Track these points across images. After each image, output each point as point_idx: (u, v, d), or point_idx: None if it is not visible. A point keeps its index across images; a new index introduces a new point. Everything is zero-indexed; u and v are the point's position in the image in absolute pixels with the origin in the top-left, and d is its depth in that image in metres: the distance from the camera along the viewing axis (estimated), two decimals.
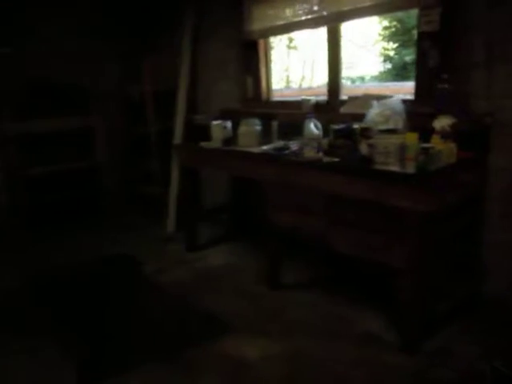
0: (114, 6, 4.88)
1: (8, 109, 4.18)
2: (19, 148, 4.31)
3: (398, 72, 8.53)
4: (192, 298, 2.92)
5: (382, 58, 8.94)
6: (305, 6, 3.26)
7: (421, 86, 2.67)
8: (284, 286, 2.99)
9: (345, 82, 3.50)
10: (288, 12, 3.39)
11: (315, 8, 3.18)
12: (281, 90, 4.65)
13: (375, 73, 9.03)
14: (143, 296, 3.01)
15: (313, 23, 3.22)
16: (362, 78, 8.98)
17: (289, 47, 9.11)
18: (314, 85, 9.89)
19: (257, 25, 3.64)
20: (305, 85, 9.99)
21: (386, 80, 8.71)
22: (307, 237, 2.65)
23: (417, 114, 2.51)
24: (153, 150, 4.42)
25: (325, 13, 3.11)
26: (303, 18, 3.27)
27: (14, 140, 4.25)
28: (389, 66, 8.94)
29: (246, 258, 3.55)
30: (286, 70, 9.18)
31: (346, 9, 2.97)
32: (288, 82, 9.47)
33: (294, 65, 9.83)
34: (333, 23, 3.13)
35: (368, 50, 8.84)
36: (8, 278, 3.38)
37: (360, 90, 6.66)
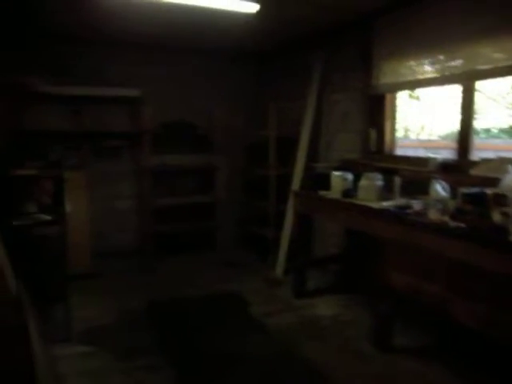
0: (243, 57, 5.25)
1: (146, 145, 4.64)
2: (152, 179, 4.75)
3: None
4: (296, 346, 2.91)
5: None
6: (438, 63, 3.21)
7: None
8: (393, 349, 2.85)
9: None
10: (420, 68, 3.36)
11: (449, 65, 3.11)
12: (399, 140, 4.54)
13: (505, 126, 8.42)
14: (249, 337, 3.06)
15: (446, 81, 3.16)
16: (488, 131, 8.42)
17: (410, 96, 8.93)
18: (434, 136, 9.52)
19: (385, 79, 3.65)
20: (423, 135, 9.65)
21: None
22: (424, 301, 2.51)
23: None
24: (270, 193, 4.57)
25: (460, 71, 3.03)
26: (436, 75, 3.21)
27: (149, 172, 4.70)
28: None
29: (354, 312, 3.46)
30: (405, 119, 8.96)
31: (483, 67, 2.87)
32: (406, 131, 9.22)
33: (414, 114, 9.58)
34: (467, 81, 3.03)
35: (497, 101, 8.31)
36: (130, 300, 3.68)
37: (489, 145, 6.26)
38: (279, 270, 4.29)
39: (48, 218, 2.98)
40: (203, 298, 3.76)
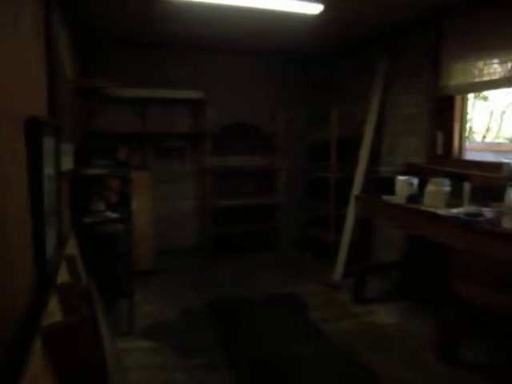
0: (306, 60, 5.22)
1: (208, 146, 4.73)
2: (213, 180, 4.83)
3: None
4: (357, 355, 2.84)
5: None
6: None
7: None
8: (460, 363, 2.71)
9: None
10: (493, 68, 3.19)
11: None
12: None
13: None
14: (308, 341, 3.03)
15: None
16: None
17: (477, 97, 8.48)
18: (501, 139, 9.00)
19: (455, 80, 3.50)
20: (489, 137, 9.13)
21: None
22: (499, 315, 2.38)
23: None
24: (330, 196, 4.51)
25: None
26: (510, 75, 3.03)
27: (210, 173, 4.79)
28: None
29: (416, 320, 3.34)
30: (470, 120, 8.51)
31: None
32: (471, 133, 8.76)
33: (479, 115, 9.08)
34: None
35: None
36: (191, 299, 3.76)
37: None
38: (338, 274, 4.22)
39: (115, 216, 3.11)
40: (261, 299, 3.77)
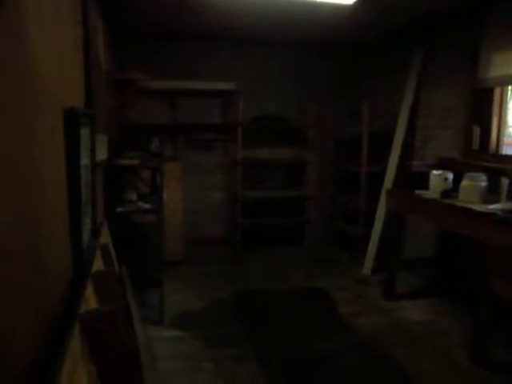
0: (339, 51, 5.15)
1: (239, 138, 4.73)
2: (242, 172, 4.84)
3: None
4: (385, 351, 2.81)
5: None
6: None
7: None
8: (493, 363, 2.65)
9: None
10: None
11: None
12: None
13: None
14: (336, 337, 3.01)
15: None
16: None
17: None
18: None
19: (495, 72, 3.38)
20: None
21: None
22: None
23: None
24: (361, 190, 4.45)
25: None
26: None
27: (240, 164, 4.79)
28: None
29: (449, 318, 3.27)
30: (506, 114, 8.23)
31: None
32: (506, 127, 8.49)
33: None
34: None
35: None
36: (219, 289, 3.79)
37: None
38: (367, 269, 4.18)
39: (147, 206, 3.15)
40: (290, 293, 3.76)
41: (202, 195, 5.08)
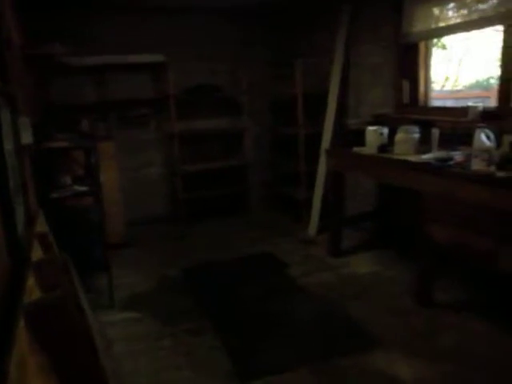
0: (267, 13, 5.07)
1: (172, 110, 4.59)
2: (179, 145, 4.72)
3: None
4: (338, 305, 2.91)
5: None
6: (475, 4, 3.02)
7: None
8: (436, 303, 2.82)
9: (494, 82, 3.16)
10: (455, 12, 3.17)
11: (488, 6, 2.93)
12: None
13: None
14: (291, 297, 3.08)
15: (486, 23, 2.97)
16: None
17: (435, 45, 8.55)
18: (459, 86, 9.18)
19: (419, 26, 3.47)
20: (448, 86, 9.30)
21: None
22: (468, 254, 2.46)
23: None
24: (300, 152, 4.49)
25: (502, 10, 2.84)
26: (475, 17, 3.03)
27: (176, 138, 4.67)
28: None
29: (392, 267, 3.44)
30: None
31: None
32: (431, 82, 8.89)
33: (438, 64, 9.19)
34: (509, 21, 2.85)
35: None
36: (167, 266, 3.73)
37: None
38: (313, 229, 4.27)
39: (84, 189, 3.01)
40: (239, 261, 3.78)
41: (141, 173, 4.93)
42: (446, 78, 9.63)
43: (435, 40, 7.49)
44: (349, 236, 4.02)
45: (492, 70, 3.50)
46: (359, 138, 3.33)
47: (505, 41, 2.91)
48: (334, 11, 4.24)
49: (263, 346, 2.51)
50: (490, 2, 2.92)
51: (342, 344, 2.49)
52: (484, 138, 2.43)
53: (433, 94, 3.76)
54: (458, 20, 3.16)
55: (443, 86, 9.47)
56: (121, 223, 4.20)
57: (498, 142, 2.49)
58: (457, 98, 6.25)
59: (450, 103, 5.80)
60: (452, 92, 8.70)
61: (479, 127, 2.43)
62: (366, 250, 3.85)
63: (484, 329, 2.54)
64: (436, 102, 4.29)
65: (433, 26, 3.35)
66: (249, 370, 2.30)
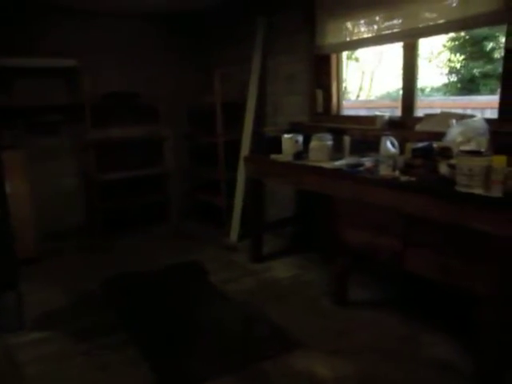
0: (186, 21, 5.06)
1: (87, 118, 4.41)
2: (96, 154, 4.54)
3: (464, 85, 8.24)
4: (259, 310, 2.95)
5: (446, 70, 8.68)
6: (380, 22, 3.23)
7: (506, 105, 2.57)
8: (352, 303, 2.96)
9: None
10: (362, 28, 3.37)
11: (391, 24, 3.15)
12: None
13: (437, 85, 8.80)
14: (212, 304, 3.07)
15: (389, 39, 3.19)
16: (422, 90, 8.79)
17: (349, 58, 9.05)
18: (372, 96, 9.80)
19: (330, 39, 3.64)
20: (362, 96, 9.89)
21: (450, 93, 8.43)
22: (380, 256, 2.61)
23: (502, 134, 2.42)
24: (219, 160, 4.51)
25: (402, 29, 3.07)
26: (378, 34, 3.24)
27: (93, 146, 4.49)
28: (454, 78, 8.67)
29: (312, 271, 3.55)
30: (344, 80, 9.12)
31: (424, 25, 2.92)
32: (346, 93, 9.40)
33: (352, 76, 9.75)
34: (408, 39, 3.08)
35: (430, 61, 8.64)
36: (84, 281, 3.56)
37: (427, 103, 6.49)
38: (234, 236, 4.30)
39: None
40: (161, 271, 3.70)
41: (55, 183, 4.67)
42: (361, 89, 10.23)
43: (349, 53, 7.90)
44: (270, 241, 4.10)
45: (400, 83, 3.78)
46: (277, 145, 3.41)
47: (404, 56, 3.15)
48: (251, 22, 4.32)
49: (186, 356, 2.47)
50: (393, 21, 3.14)
51: (265, 348, 2.52)
52: (389, 145, 2.59)
53: (348, 104, 3.98)
54: (366, 35, 3.36)
55: (358, 96, 10.04)
56: (32, 237, 3.95)
57: (402, 149, 2.67)
58: (369, 108, 6.62)
59: (363, 112, 6.12)
60: (365, 102, 9.24)
61: (385, 135, 2.59)
62: (286, 254, 3.94)
63: (396, 324, 2.71)
64: (350, 111, 4.53)
65: (343, 39, 3.53)
66: (171, 382, 2.26)
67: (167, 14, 4.84)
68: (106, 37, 4.73)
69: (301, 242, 4.15)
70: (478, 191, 2.06)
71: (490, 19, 2.59)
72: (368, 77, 10.08)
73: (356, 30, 3.43)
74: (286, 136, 3.28)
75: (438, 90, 8.64)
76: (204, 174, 5.18)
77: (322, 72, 3.82)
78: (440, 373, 2.24)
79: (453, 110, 2.96)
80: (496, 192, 2.01)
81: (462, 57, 8.36)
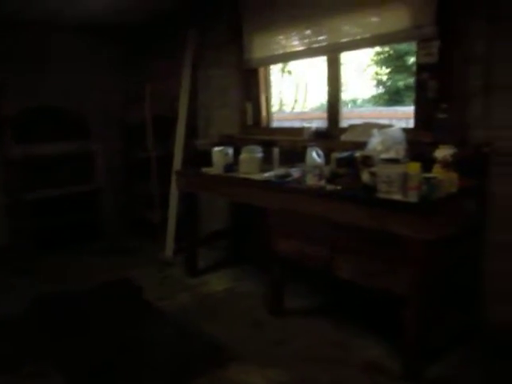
0: (118, 34, 4.96)
1: (8, 133, 4.19)
2: (22, 171, 4.31)
3: (390, 97, 8.70)
4: (196, 325, 2.90)
5: (374, 82, 9.13)
6: (304, 36, 3.34)
7: (420, 115, 2.74)
8: (288, 312, 2.99)
9: None
10: (288, 42, 3.47)
11: (315, 39, 3.26)
12: (275, 113, 4.70)
13: (367, 96, 9.23)
14: (146, 323, 2.98)
15: (313, 53, 3.31)
16: (354, 101, 9.19)
17: (283, 71, 9.28)
18: (307, 108, 10.09)
19: (257, 53, 3.71)
20: (297, 108, 10.15)
21: (379, 104, 8.88)
22: (311, 264, 2.66)
23: (417, 142, 2.56)
24: (152, 175, 4.44)
25: (325, 44, 3.19)
26: (303, 48, 3.35)
27: (17, 163, 4.26)
28: (381, 90, 9.14)
29: (247, 283, 3.55)
30: (280, 93, 9.35)
31: (345, 40, 3.06)
32: (281, 105, 9.62)
33: (287, 88, 10.01)
34: (332, 53, 3.21)
35: (360, 74, 9.05)
36: (14, 303, 3.34)
37: (356, 113, 6.78)
38: (169, 251, 4.23)
39: None
40: (92, 291, 3.54)
41: None
42: (296, 101, 10.48)
43: (283, 66, 8.08)
44: (206, 255, 4.06)
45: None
46: (209, 158, 3.41)
47: (329, 69, 3.27)
48: (183, 35, 4.30)
49: (117, 379, 2.38)
50: (317, 36, 3.25)
51: (199, 363, 2.48)
52: (315, 155, 2.66)
53: (282, 116, 4.05)
54: (292, 49, 3.45)
55: (293, 108, 10.28)
56: None
57: (328, 159, 2.75)
58: (303, 119, 6.80)
59: (297, 124, 6.29)
60: (299, 114, 9.49)
61: (310, 146, 2.66)
62: (222, 267, 3.93)
63: (330, 330, 2.76)
64: (285, 123, 4.63)
65: (269, 53, 3.61)
66: None
67: (99, 27, 4.71)
68: (36, 49, 4.53)
69: (236, 254, 4.15)
70: (397, 197, 2.17)
71: (402, 36, 2.77)
72: (303, 89, 10.37)
73: (283, 44, 3.52)
74: (216, 149, 3.29)
75: (368, 101, 9.06)
76: (138, 189, 5.07)
77: (251, 85, 3.88)
78: (370, 374, 2.31)
79: (380, 120, 3.09)
80: (412, 197, 2.12)
81: (388, 70, 8.83)
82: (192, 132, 4.34)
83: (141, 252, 4.50)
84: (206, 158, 3.45)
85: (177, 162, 4.19)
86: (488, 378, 2.20)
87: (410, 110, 3.04)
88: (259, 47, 3.69)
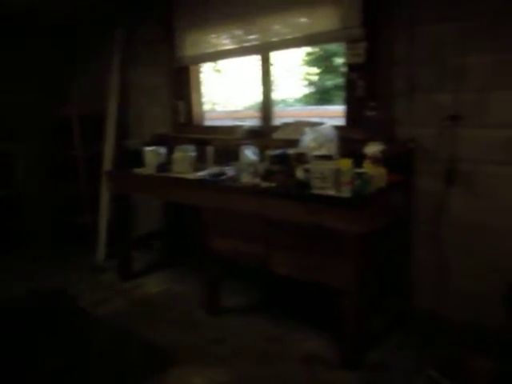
0: (39, 24, 4.66)
1: None
2: None
3: (321, 96, 8.96)
4: (132, 330, 2.81)
5: (305, 82, 9.35)
6: (236, 35, 3.34)
7: (350, 113, 2.83)
8: (225, 311, 2.98)
9: None
10: (220, 40, 3.45)
11: (247, 38, 3.27)
12: (207, 112, 4.65)
13: (299, 96, 9.43)
14: (79, 331, 2.84)
15: (244, 52, 3.31)
16: (286, 101, 9.34)
17: (214, 70, 9.25)
18: (240, 107, 10.12)
19: (189, 51, 3.66)
20: (229, 107, 10.15)
21: (310, 103, 9.11)
22: (247, 261, 2.67)
23: (348, 139, 2.64)
24: (80, 177, 4.24)
25: (256, 43, 3.21)
26: (235, 46, 3.35)
27: None
28: (312, 89, 9.38)
29: (183, 284, 3.50)
30: (212, 92, 9.30)
31: (275, 40, 3.09)
32: (214, 104, 9.57)
33: (219, 87, 9.98)
34: (263, 52, 3.23)
35: (292, 74, 9.23)
36: None
37: (288, 112, 6.89)
38: (101, 255, 4.07)
39: None
40: (18, 303, 3.30)
41: None
42: (227, 100, 10.48)
43: (214, 65, 8.04)
44: (141, 257, 3.95)
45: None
46: (140, 158, 3.31)
47: (262, 70, 3.29)
48: (112, 32, 4.14)
49: None
50: (248, 35, 3.26)
51: (138, 370, 2.40)
52: (249, 153, 2.67)
53: (215, 115, 4.02)
54: (224, 48, 3.44)
55: (225, 107, 10.26)
56: None
57: (262, 157, 2.77)
58: (236, 118, 6.80)
59: (230, 122, 6.27)
60: (232, 112, 9.49)
61: (244, 144, 2.67)
62: (157, 269, 3.83)
63: (267, 326, 2.78)
64: (218, 122, 4.58)
65: (201, 51, 3.58)
66: None
67: (22, 17, 4.39)
68: None
69: (172, 255, 4.07)
70: (331, 192, 2.22)
71: (331, 37, 2.84)
72: (235, 88, 10.38)
73: (215, 43, 3.50)
74: (147, 148, 3.21)
75: (300, 100, 9.25)
76: (67, 192, 4.80)
77: (182, 83, 3.82)
78: (309, 366, 2.35)
79: (312, 119, 3.15)
80: (345, 192, 2.18)
81: (318, 70, 9.08)
82: (123, 131, 4.20)
83: (71, 257, 4.28)
84: (137, 158, 3.35)
85: (107, 163, 4.03)
86: (419, 362, 2.31)
87: (339, 108, 3.13)
88: (191, 45, 3.64)
